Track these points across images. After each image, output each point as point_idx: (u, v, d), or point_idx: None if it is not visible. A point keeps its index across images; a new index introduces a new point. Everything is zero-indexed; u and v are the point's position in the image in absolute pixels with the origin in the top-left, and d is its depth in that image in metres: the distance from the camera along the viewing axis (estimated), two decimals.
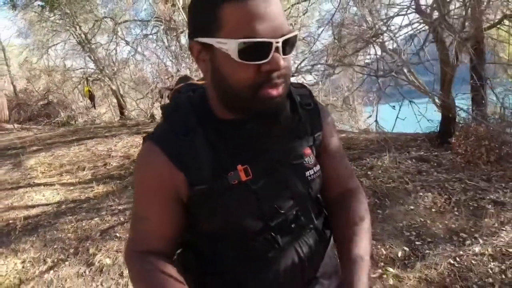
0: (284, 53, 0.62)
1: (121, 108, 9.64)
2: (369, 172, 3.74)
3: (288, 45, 0.63)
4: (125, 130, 7.21)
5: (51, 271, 2.97)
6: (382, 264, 2.45)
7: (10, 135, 7.31)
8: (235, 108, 0.69)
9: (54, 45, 8.66)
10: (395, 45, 4.11)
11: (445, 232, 2.68)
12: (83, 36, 7.92)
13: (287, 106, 0.74)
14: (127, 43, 8.59)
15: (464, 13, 3.36)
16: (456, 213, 2.89)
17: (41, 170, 5.10)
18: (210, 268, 0.75)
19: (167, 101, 0.87)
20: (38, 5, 5.94)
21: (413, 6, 3.89)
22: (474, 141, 3.65)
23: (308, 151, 0.78)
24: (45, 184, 4.65)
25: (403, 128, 5.52)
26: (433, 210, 2.98)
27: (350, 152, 4.46)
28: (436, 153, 4.00)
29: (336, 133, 0.87)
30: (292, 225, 0.74)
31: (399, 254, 2.49)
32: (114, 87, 9.00)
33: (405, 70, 6.36)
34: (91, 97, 10.69)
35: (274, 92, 0.64)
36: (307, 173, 0.76)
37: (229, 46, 0.60)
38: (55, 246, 3.28)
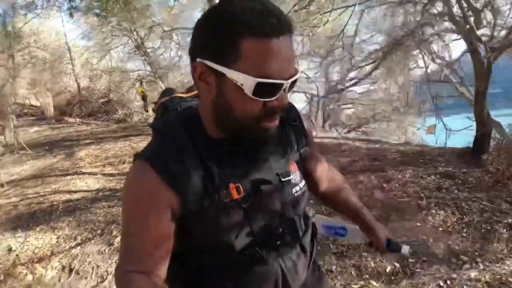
0: (288, 91, 0.67)
1: None
2: (385, 185, 3.72)
3: (293, 85, 0.68)
4: None
5: (78, 247, 3.49)
6: (367, 276, 2.50)
7: (70, 128, 8.38)
8: (231, 130, 0.72)
9: (115, 47, 9.73)
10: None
11: (445, 253, 2.62)
12: (139, 40, 8.80)
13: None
14: (179, 48, 9.31)
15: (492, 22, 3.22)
16: (464, 234, 2.80)
17: (88, 161, 5.84)
18: (196, 279, 0.78)
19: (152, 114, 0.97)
20: (95, 13, 6.84)
21: (447, 15, 3.81)
22: (505, 160, 3.45)
23: (294, 167, 0.82)
24: (89, 173, 5.34)
25: (459, 142, 5.26)
26: (440, 229, 2.91)
27: (374, 164, 4.44)
28: (464, 169, 3.82)
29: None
30: (278, 242, 0.78)
31: (388, 269, 2.51)
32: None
33: (454, 80, 6.07)
34: (144, 98, 11.68)
35: (272, 124, 0.70)
36: (294, 190, 0.80)
37: (245, 81, 0.62)
38: (86, 227, 3.82)
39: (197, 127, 0.74)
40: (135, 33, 8.65)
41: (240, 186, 0.72)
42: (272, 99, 0.65)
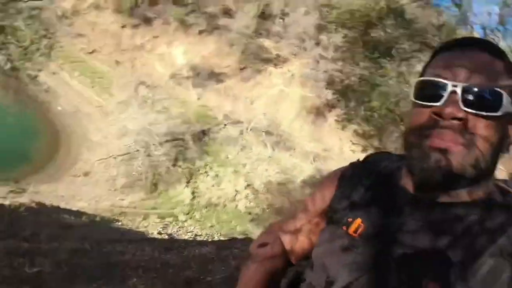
0: (470, 106, 0.62)
1: None
2: None
3: (480, 101, 0.62)
4: None
5: None
6: None
7: None
8: (407, 164, 0.72)
9: None
10: None
11: None
12: None
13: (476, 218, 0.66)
14: None
15: None
16: None
17: None
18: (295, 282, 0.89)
19: None
20: None
21: None
22: None
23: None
24: None
25: None
26: None
27: None
28: None
29: None
30: None
31: None
32: None
33: None
34: None
35: (439, 143, 0.63)
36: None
37: (411, 87, 0.70)
38: None
39: (399, 171, 0.77)
40: None
41: (363, 227, 0.72)
42: (437, 104, 0.65)
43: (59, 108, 21.05)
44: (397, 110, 8.31)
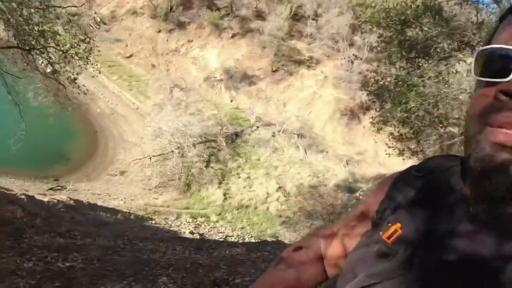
0: None
1: None
2: None
3: None
4: None
5: None
6: None
7: None
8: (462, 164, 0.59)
9: None
10: None
11: None
12: None
13: None
14: None
15: None
16: None
17: None
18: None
19: None
20: None
21: None
22: None
23: None
24: None
25: None
26: None
27: None
28: None
29: None
30: None
31: None
32: None
33: None
34: None
35: (506, 136, 0.47)
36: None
37: (473, 61, 0.55)
38: None
39: (458, 173, 0.62)
40: None
41: (400, 233, 0.61)
42: (503, 80, 0.49)
43: (98, 110, 21.90)
44: (436, 112, 7.91)
